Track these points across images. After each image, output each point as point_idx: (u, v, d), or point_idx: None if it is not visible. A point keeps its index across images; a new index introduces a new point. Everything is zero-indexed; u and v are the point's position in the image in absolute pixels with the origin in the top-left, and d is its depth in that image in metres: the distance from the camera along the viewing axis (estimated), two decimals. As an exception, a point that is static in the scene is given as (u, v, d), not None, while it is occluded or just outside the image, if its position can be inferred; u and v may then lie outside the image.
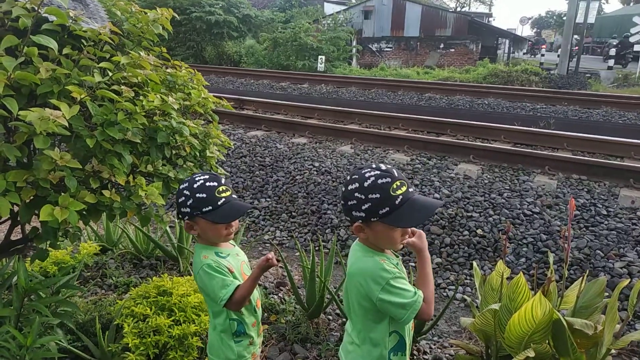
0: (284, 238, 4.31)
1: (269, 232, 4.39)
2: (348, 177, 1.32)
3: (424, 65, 22.06)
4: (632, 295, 1.66)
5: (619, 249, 3.43)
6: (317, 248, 3.99)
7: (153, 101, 1.72)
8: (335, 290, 2.68)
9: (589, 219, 3.84)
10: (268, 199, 4.88)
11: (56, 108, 1.45)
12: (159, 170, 1.90)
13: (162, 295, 2.43)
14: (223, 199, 1.50)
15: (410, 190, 1.28)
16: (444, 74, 17.38)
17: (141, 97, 1.75)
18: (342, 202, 1.33)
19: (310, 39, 18.89)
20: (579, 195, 4.25)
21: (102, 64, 1.62)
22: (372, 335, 1.39)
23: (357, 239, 1.44)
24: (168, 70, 2.22)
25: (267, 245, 4.18)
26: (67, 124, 1.42)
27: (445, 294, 3.31)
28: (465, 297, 3.12)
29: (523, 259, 3.51)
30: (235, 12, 22.37)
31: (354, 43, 22.65)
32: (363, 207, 1.26)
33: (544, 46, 29.93)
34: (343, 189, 1.33)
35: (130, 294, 2.48)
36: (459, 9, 47.32)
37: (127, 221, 3.64)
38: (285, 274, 3.25)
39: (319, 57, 18.21)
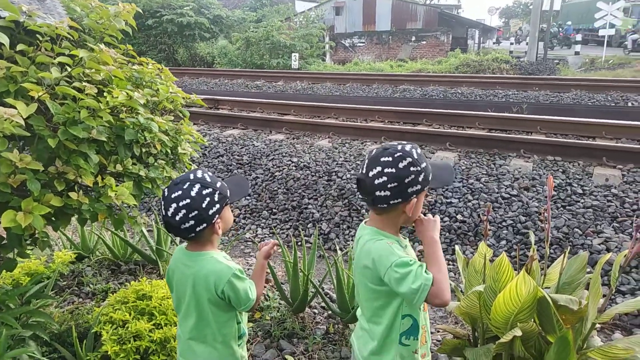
0: (266, 235, 4.26)
1: (250, 230, 4.33)
2: (383, 161, 1.25)
3: (397, 58, 22.20)
4: (614, 269, 1.67)
5: (596, 226, 3.48)
6: (299, 243, 3.96)
7: (118, 97, 1.65)
8: (319, 283, 2.65)
9: (566, 199, 3.90)
10: (247, 197, 4.81)
11: (12, 107, 1.38)
12: (128, 170, 1.83)
13: (141, 300, 2.35)
14: (220, 180, 1.45)
15: None
16: (417, 66, 17.52)
17: (105, 94, 1.68)
18: (387, 184, 1.24)
19: (283, 37, 18.80)
20: (555, 176, 4.31)
21: (60, 59, 1.54)
22: (382, 320, 1.36)
23: (365, 223, 1.43)
24: (134, 67, 2.15)
25: (249, 243, 4.13)
26: (23, 123, 1.35)
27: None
28: (449, 282, 3.12)
29: (504, 242, 3.54)
30: (206, 13, 22.10)
31: (327, 39, 22.65)
32: (420, 179, 1.27)
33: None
34: (377, 172, 1.25)
35: (109, 301, 2.40)
36: (428, 2, 47.72)
37: (103, 227, 3.53)
38: (269, 270, 3.20)
39: (293, 54, 18.13)
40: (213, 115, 7.72)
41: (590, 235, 3.40)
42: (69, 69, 1.57)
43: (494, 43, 33.45)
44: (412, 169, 1.25)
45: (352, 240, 3.86)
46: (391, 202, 1.27)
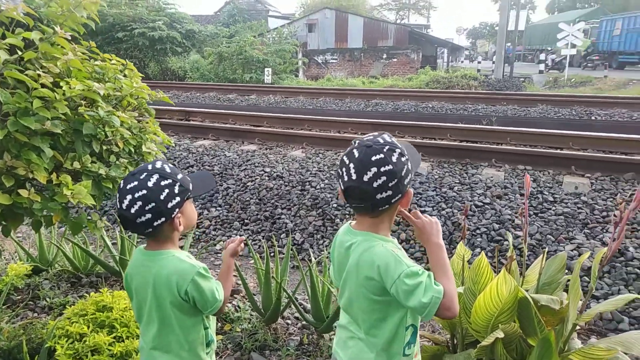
0: (241, 252, 4.11)
1: (221, 242, 4.18)
2: (376, 160, 1.13)
3: (369, 75, 22.52)
4: (594, 267, 1.64)
5: (568, 233, 3.51)
6: (272, 254, 3.84)
7: (75, 87, 1.53)
8: (292, 293, 2.54)
9: (537, 206, 3.93)
10: (219, 208, 4.67)
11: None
12: (87, 168, 1.70)
13: (101, 312, 2.19)
14: (182, 172, 1.35)
15: None
16: (389, 82, 17.80)
17: (62, 85, 1.56)
18: (387, 184, 1.13)
19: (256, 52, 18.82)
20: (526, 185, 4.35)
21: (9, 40, 1.42)
22: (382, 332, 1.24)
23: (351, 225, 1.30)
24: (96, 63, 2.03)
25: (220, 254, 3.97)
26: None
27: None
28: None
29: (478, 249, 3.51)
30: (179, 27, 21.93)
31: (300, 55, 22.80)
32: (409, 167, 1.18)
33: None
34: (374, 174, 1.13)
35: (66, 314, 2.22)
36: (399, 21, 48.97)
37: (63, 237, 3.33)
38: (240, 281, 3.07)
39: (266, 69, 18.14)
40: (183, 126, 7.56)
41: (563, 241, 3.42)
42: (20, 53, 1.45)
43: (461, 62, 34.46)
44: (403, 159, 1.16)
45: (326, 249, 3.77)
46: (392, 201, 1.17)
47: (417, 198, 4.22)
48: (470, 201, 4.08)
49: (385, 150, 1.15)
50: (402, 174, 1.15)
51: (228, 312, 2.68)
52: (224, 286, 1.42)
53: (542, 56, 22.85)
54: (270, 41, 21.30)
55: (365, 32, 26.46)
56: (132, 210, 1.20)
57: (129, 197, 1.20)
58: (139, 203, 1.20)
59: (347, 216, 4.15)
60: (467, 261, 1.94)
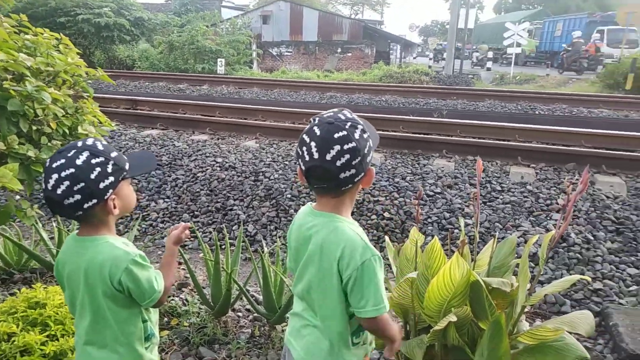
0: (187, 239, 3.95)
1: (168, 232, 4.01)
2: (339, 137, 1.08)
3: (324, 69, 22.53)
4: (542, 250, 1.66)
5: (515, 220, 3.62)
6: (223, 246, 3.72)
7: (-4, 57, 1.37)
8: (243, 284, 2.45)
9: (486, 195, 4.04)
10: (167, 200, 4.48)
11: None
12: (14, 149, 1.54)
13: (33, 309, 2.02)
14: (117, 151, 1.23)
15: None
16: (343, 76, 17.87)
17: (-19, 55, 1.40)
18: (351, 162, 1.08)
19: (209, 43, 18.34)
20: (475, 175, 4.47)
21: None
22: (338, 319, 1.20)
23: (312, 207, 1.25)
24: (27, 36, 1.85)
25: (168, 247, 3.81)
26: None
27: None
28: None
29: (430, 237, 3.56)
30: (127, 14, 20.99)
31: (254, 47, 22.45)
32: (371, 143, 1.14)
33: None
34: (337, 152, 1.07)
35: (-8, 312, 2.03)
36: (353, 16, 49.29)
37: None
38: (188, 275, 2.95)
39: (219, 60, 17.73)
40: (130, 115, 7.22)
41: (510, 229, 3.52)
42: None
43: (414, 58, 35.20)
44: (365, 135, 1.11)
45: (280, 240, 3.70)
46: (356, 180, 1.12)
47: (371, 188, 4.22)
48: (422, 191, 4.13)
49: (347, 126, 1.09)
50: (365, 151, 1.11)
51: (175, 306, 2.56)
52: (165, 276, 1.32)
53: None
54: (223, 32, 20.85)
55: (320, 26, 26.47)
56: (59, 191, 1.08)
57: (55, 176, 1.08)
58: (66, 183, 1.08)
59: (302, 206, 4.09)
60: (420, 247, 1.93)
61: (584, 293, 2.82)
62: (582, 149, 5.06)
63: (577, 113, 8.90)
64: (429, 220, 3.74)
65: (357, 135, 1.09)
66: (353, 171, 1.09)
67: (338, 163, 1.07)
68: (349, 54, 25.48)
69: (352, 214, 4.03)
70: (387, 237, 2.29)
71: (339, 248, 1.13)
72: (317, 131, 1.10)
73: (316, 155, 1.08)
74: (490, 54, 23.49)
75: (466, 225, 3.52)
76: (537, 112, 8.95)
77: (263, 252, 2.47)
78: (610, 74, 13.98)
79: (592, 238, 3.31)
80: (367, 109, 9.28)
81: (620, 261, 3.09)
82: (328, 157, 1.07)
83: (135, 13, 21.56)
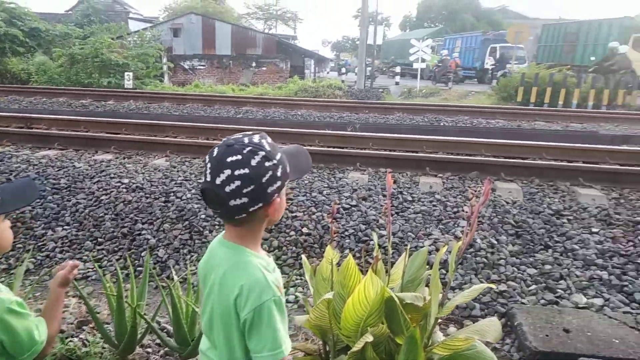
0: (89, 270, 3.61)
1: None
2: (232, 161, 1.01)
3: (239, 82, 22.30)
4: (451, 261, 1.71)
5: (426, 229, 3.77)
6: (127, 274, 3.45)
7: None
8: (151, 316, 2.27)
9: (398, 206, 4.17)
10: (66, 227, 4.07)
11: None
12: None
13: None
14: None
15: None
16: (259, 90, 17.81)
17: None
18: (241, 190, 1.01)
19: (115, 56, 17.33)
20: (389, 187, 4.60)
21: None
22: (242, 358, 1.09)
23: (222, 237, 1.15)
24: None
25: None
26: None
27: (278, 298, 3.14)
28: (297, 295, 3.00)
29: (347, 250, 3.58)
30: (20, 24, 19.22)
31: (165, 60, 21.65)
32: (278, 173, 1.05)
33: (350, 67, 34.11)
34: (227, 177, 1.00)
35: None
36: (267, 30, 49.59)
37: None
38: (87, 311, 2.67)
39: (126, 74, 16.80)
40: (23, 134, 6.54)
41: (422, 237, 3.66)
42: None
43: (327, 73, 36.19)
44: (267, 164, 1.03)
45: (195, 264, 3.51)
46: (250, 209, 1.04)
47: (289, 204, 4.18)
48: (339, 204, 4.16)
49: (245, 151, 1.02)
50: (263, 181, 1.02)
51: (74, 348, 2.30)
52: (49, 323, 1.15)
53: (398, 69, 25.01)
54: (131, 44, 19.86)
55: (234, 40, 26.36)
56: None
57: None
58: None
59: (217, 227, 3.94)
60: (337, 264, 1.91)
61: (490, 296, 2.97)
62: (483, 158, 5.44)
63: (477, 124, 9.62)
64: (346, 233, 3.77)
65: (254, 162, 1.01)
66: (245, 200, 1.01)
67: (227, 189, 1.00)
68: (264, 68, 25.54)
69: (270, 231, 3.97)
70: (303, 256, 2.25)
71: (237, 285, 1.05)
72: (215, 152, 1.04)
73: (209, 178, 1.02)
74: (398, 69, 24.83)
75: (381, 237, 3.59)
76: (442, 124, 9.54)
77: (173, 279, 2.30)
78: (504, 87, 15.34)
79: (495, 242, 3.54)
80: (283, 124, 9.28)
81: (520, 262, 3.32)
82: (218, 181, 1.01)
83: (30, 23, 19.83)
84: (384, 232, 3.69)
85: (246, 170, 1.00)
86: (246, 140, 1.05)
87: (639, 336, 2.45)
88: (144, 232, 3.93)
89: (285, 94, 16.66)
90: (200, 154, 5.82)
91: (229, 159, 1.01)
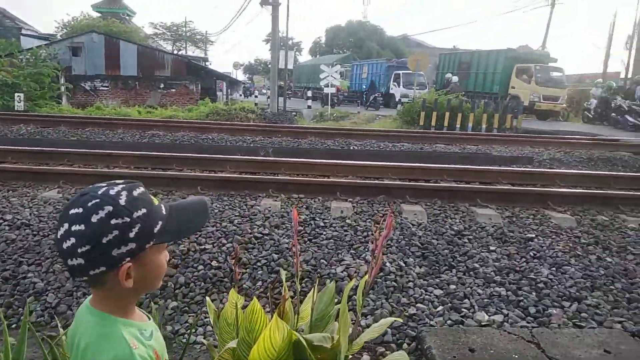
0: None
1: None
2: (72, 214, 0.88)
3: (146, 104, 21.35)
4: (358, 296, 1.70)
5: (338, 255, 3.78)
6: (13, 325, 3.03)
7: None
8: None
9: (311, 232, 4.16)
10: None
11: None
12: None
13: None
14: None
15: None
16: (168, 112, 17.17)
17: None
18: (76, 249, 0.87)
19: (3, 74, 15.73)
20: (300, 212, 4.59)
21: None
22: None
23: (88, 300, 0.99)
24: None
25: None
26: None
27: (185, 340, 2.94)
28: (202, 339, 2.82)
29: (260, 282, 3.47)
30: None
31: (62, 81, 20.09)
32: (131, 235, 0.89)
33: (254, 89, 34.42)
34: (64, 232, 0.88)
35: None
36: (176, 52, 48.34)
37: None
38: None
39: (17, 94, 15.30)
40: None
41: (334, 264, 3.66)
42: None
43: (240, 95, 36.02)
44: (113, 221, 0.88)
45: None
46: (91, 272, 0.89)
47: (197, 236, 3.97)
48: (250, 233, 4.05)
49: (90, 204, 0.88)
50: (104, 241, 0.87)
51: None
52: None
53: (309, 93, 25.59)
54: (23, 63, 18.20)
55: (140, 60, 25.42)
56: None
57: None
58: None
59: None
60: (242, 307, 1.81)
61: (402, 320, 3.03)
62: (389, 182, 5.66)
63: (384, 147, 10.04)
64: (258, 264, 3.66)
65: (94, 219, 0.87)
66: (80, 261, 0.88)
67: (64, 245, 0.88)
68: (173, 90, 24.76)
69: (177, 266, 3.74)
70: (207, 298, 2.11)
71: None
72: (69, 200, 0.94)
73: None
74: (309, 93, 25.41)
75: (293, 266, 3.53)
76: (352, 148, 9.81)
77: (58, 334, 2.04)
78: (407, 112, 16.28)
79: (404, 265, 3.64)
80: (193, 148, 8.96)
81: (428, 284, 3.44)
82: (58, 234, 0.89)
83: None
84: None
85: (82, 227, 0.87)
86: (100, 191, 0.91)
87: (535, 349, 2.62)
88: (29, 274, 3.50)
89: (196, 116, 16.22)
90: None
91: (71, 211, 0.89)
